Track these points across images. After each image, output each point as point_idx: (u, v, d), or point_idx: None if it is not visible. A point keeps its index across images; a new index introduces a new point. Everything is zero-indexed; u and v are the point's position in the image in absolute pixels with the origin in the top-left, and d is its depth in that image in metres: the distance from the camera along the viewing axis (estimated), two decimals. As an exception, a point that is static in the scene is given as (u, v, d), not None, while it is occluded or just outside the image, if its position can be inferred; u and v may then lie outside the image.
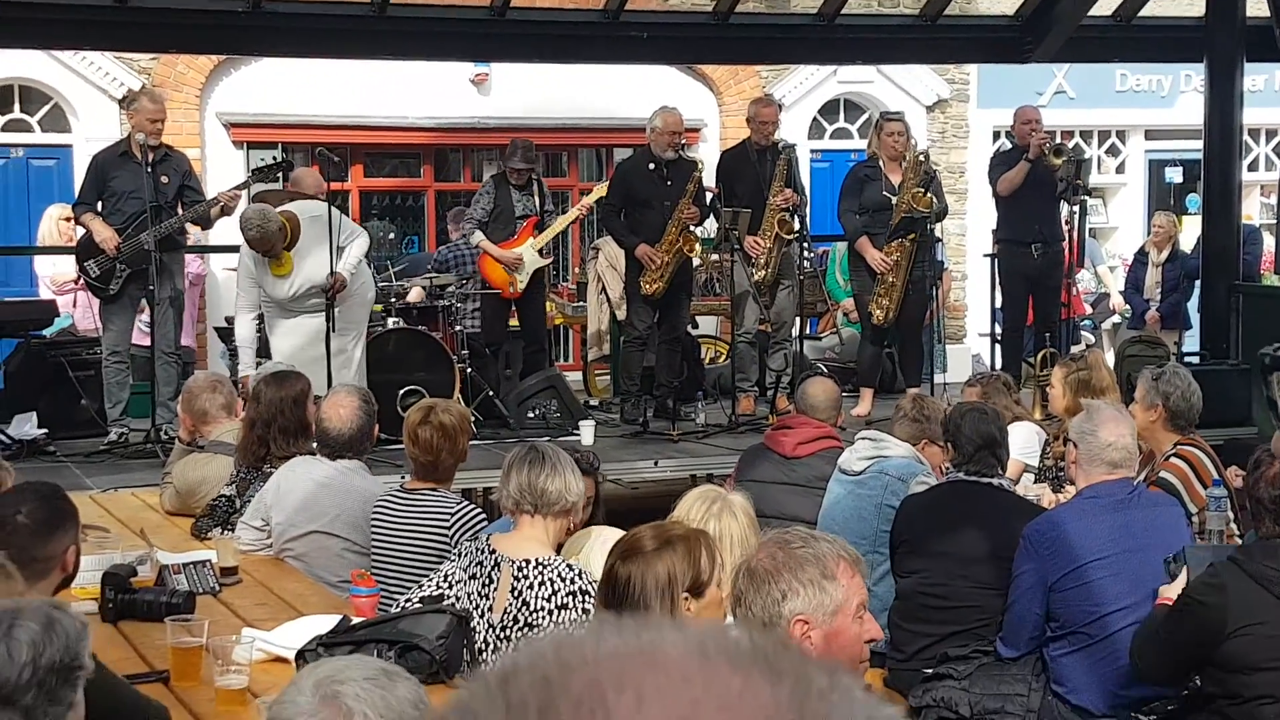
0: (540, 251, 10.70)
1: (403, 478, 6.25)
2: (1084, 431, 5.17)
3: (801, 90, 15.47)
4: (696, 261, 11.38)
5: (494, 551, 4.56)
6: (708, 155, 14.49)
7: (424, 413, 5.56)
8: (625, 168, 11.04)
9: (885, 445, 6.14)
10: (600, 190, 11.03)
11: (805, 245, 10.91)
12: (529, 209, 10.74)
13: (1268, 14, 12.26)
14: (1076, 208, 10.84)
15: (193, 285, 11.73)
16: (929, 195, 10.36)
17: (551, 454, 4.62)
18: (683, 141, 10.57)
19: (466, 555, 4.63)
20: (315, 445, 5.95)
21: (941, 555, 5.43)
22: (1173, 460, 6.41)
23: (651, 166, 10.44)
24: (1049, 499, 6.55)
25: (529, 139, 11.11)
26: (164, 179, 9.40)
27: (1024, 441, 6.89)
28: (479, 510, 5.47)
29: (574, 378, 12.45)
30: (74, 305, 11.18)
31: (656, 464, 9.49)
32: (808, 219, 10.85)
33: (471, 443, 9.15)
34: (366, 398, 5.91)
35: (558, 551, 4.65)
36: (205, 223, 9.84)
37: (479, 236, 10.64)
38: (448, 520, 5.37)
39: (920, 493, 5.84)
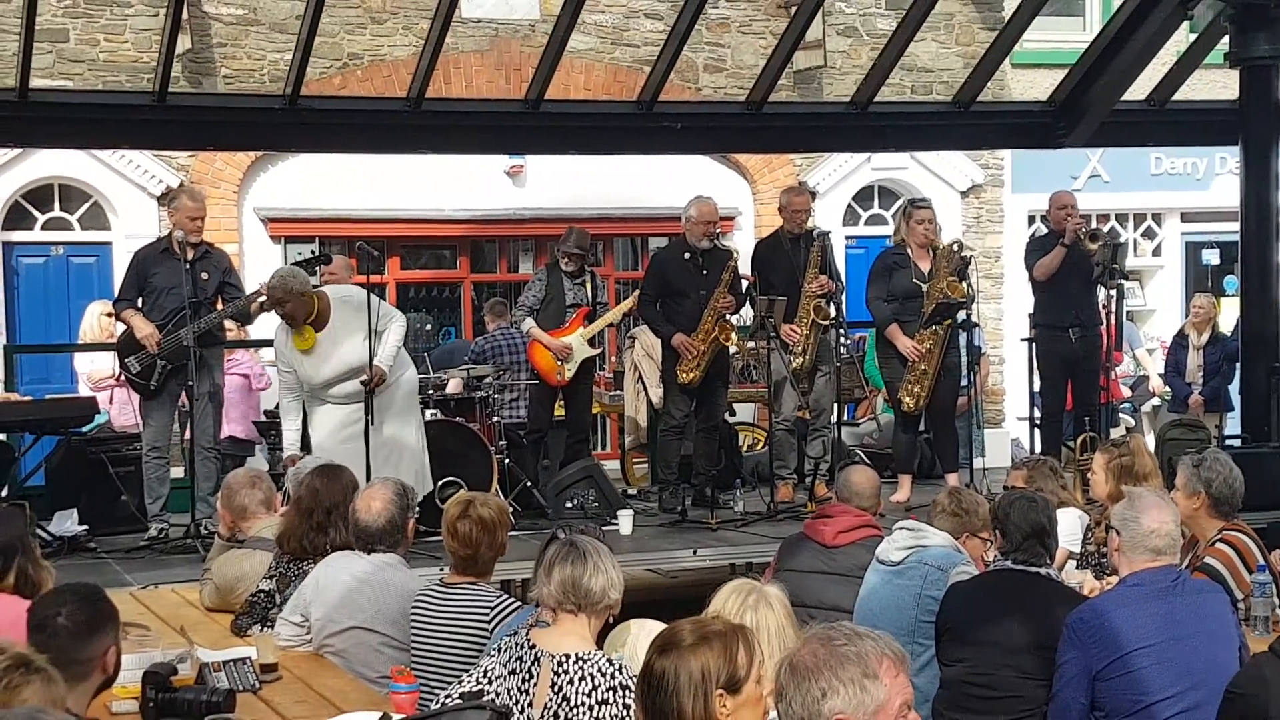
0: (590, 341, 10.75)
1: (442, 570, 6.22)
2: (1126, 519, 5.13)
3: (836, 177, 15.53)
4: (733, 349, 11.39)
5: (534, 646, 4.52)
6: (743, 243, 14.54)
7: (463, 506, 5.55)
8: (661, 257, 11.09)
9: (924, 535, 6.09)
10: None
11: (842, 331, 10.92)
12: (581, 298, 10.80)
13: (1302, 96, 12.31)
14: (1114, 292, 10.83)
15: (247, 379, 11.78)
16: (964, 284, 10.37)
17: (592, 550, 4.59)
18: (718, 230, 10.61)
19: (506, 650, 4.60)
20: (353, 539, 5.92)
21: (987, 644, 5.38)
22: (1218, 546, 6.33)
23: (687, 256, 10.48)
24: (1091, 586, 6.48)
25: (582, 227, 11.19)
26: (204, 275, 9.49)
27: (1068, 528, 6.82)
28: (517, 604, 5.43)
29: (612, 466, 12.45)
30: (110, 402, 11.24)
31: (695, 553, 9.47)
32: (844, 305, 10.87)
33: (510, 534, 9.23)
34: (400, 490, 5.89)
35: (599, 645, 4.62)
36: (245, 318, 9.90)
37: (530, 324, 10.71)
38: (487, 615, 5.35)
39: (966, 580, 5.79)
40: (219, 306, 9.62)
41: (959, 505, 6.32)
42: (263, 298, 9.45)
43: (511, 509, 9.74)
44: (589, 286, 10.89)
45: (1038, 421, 11.83)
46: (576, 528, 4.95)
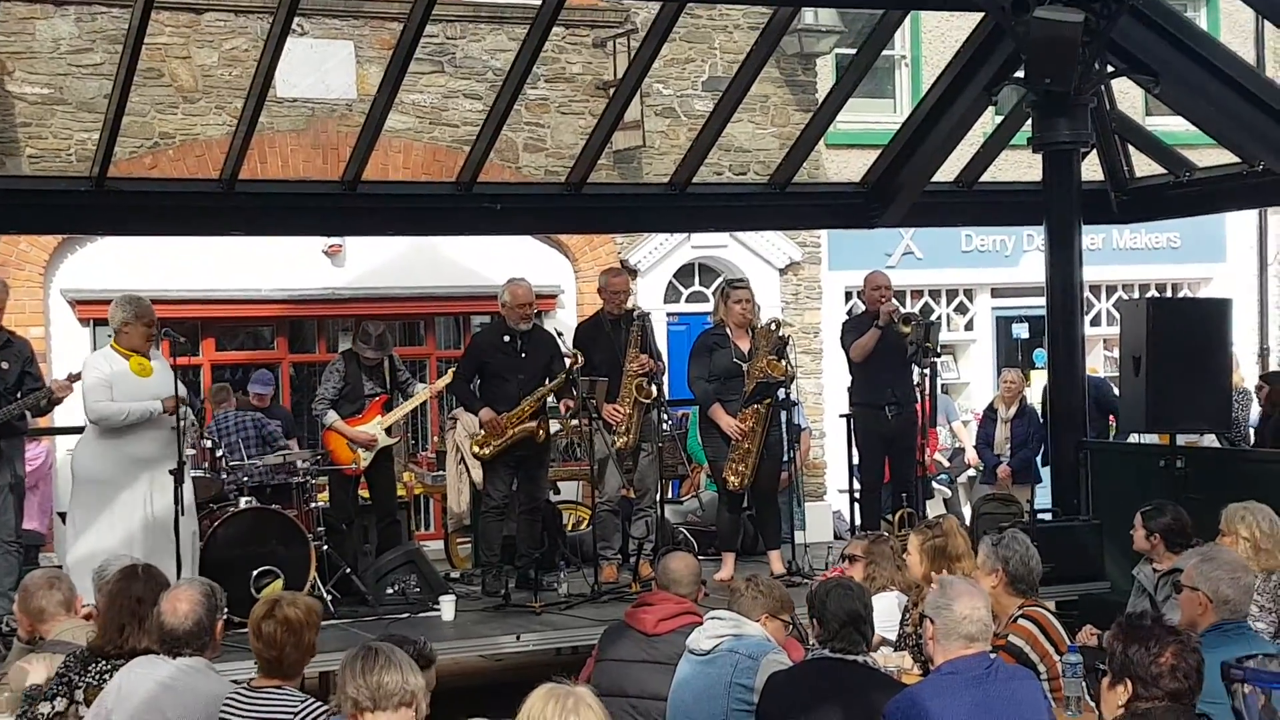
0: (388, 430, 10.62)
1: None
2: (939, 606, 5.18)
3: (656, 256, 15.64)
4: (555, 427, 11.36)
5: (347, 755, 4.44)
6: (565, 321, 14.58)
7: (268, 606, 5.40)
8: (479, 340, 11.07)
9: (737, 624, 6.09)
10: (449, 378, 11.00)
11: (664, 409, 10.95)
12: (378, 387, 10.68)
13: (1101, 178, 12.76)
14: (927, 370, 11.04)
15: (35, 471, 11.44)
16: (783, 363, 10.49)
17: (385, 649, 4.56)
18: (533, 311, 10.59)
19: (318, 758, 4.50)
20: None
21: (805, 734, 5.38)
22: (1020, 623, 6.45)
23: (506, 339, 10.46)
24: (909, 666, 6.55)
25: (379, 323, 11.07)
26: (4, 365, 9.19)
27: (885, 612, 6.90)
28: (323, 708, 5.27)
29: (435, 547, 12.32)
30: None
31: (519, 638, 9.37)
32: (665, 384, 10.91)
33: (329, 623, 9.08)
34: (209, 591, 5.68)
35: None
36: (40, 412, 9.66)
37: (332, 415, 10.53)
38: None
39: (785, 670, 5.79)
40: (18, 397, 9.32)
41: (762, 588, 6.34)
42: (60, 394, 9.26)
43: (331, 597, 9.66)
44: (388, 373, 10.78)
45: (857, 495, 11.98)
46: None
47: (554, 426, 11.19)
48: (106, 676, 5.82)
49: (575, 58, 15.10)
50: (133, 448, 8.94)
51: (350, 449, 10.52)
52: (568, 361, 10.43)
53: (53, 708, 5.80)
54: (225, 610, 5.73)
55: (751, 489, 10.80)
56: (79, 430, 9.46)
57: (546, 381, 10.45)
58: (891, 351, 11.09)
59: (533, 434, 10.34)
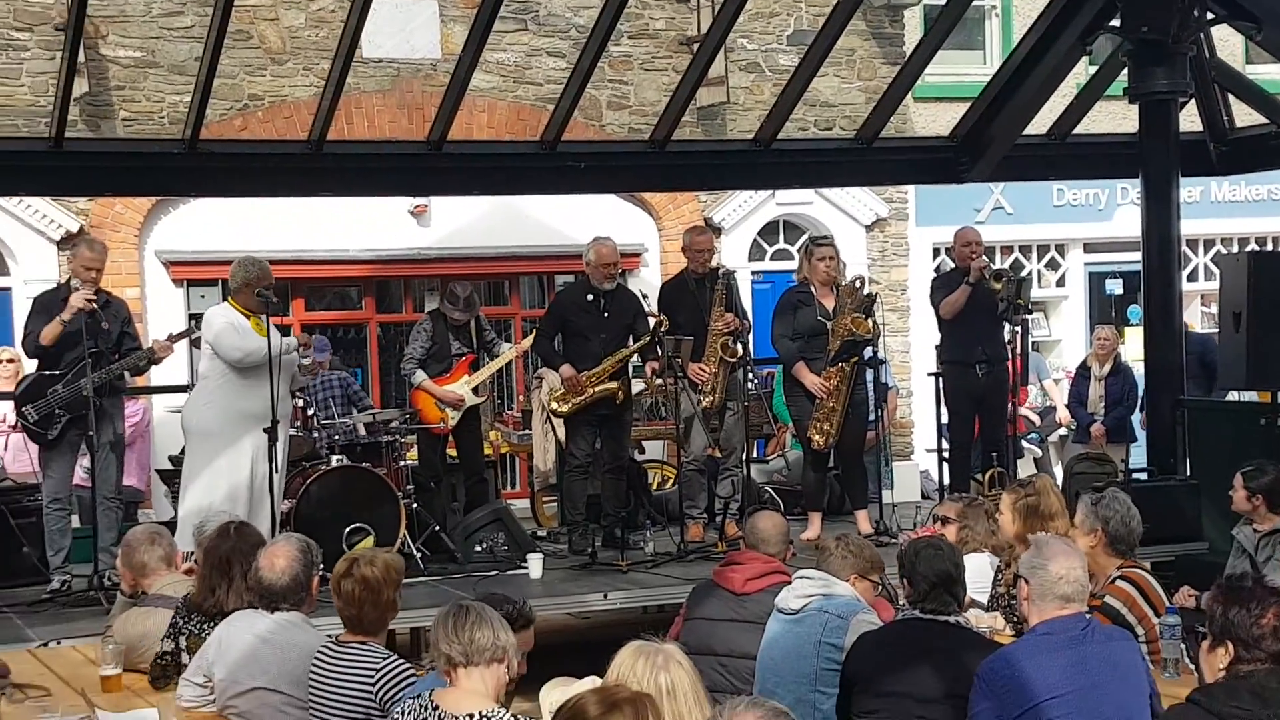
0: (475, 390, 10.65)
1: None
2: (1034, 566, 5.10)
3: (741, 213, 15.55)
4: (640, 386, 11.36)
5: (437, 707, 4.46)
6: (649, 279, 14.54)
7: (348, 564, 5.45)
8: (562, 298, 11.09)
9: (827, 583, 6.05)
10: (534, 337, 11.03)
11: (750, 368, 10.90)
12: (465, 346, 10.70)
13: (1200, 129, 12.50)
14: (1018, 328, 10.89)
15: (134, 429, 11.60)
16: (869, 320, 10.38)
17: (477, 607, 4.60)
18: (618, 271, 10.56)
19: (410, 713, 4.53)
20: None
21: (898, 695, 5.33)
22: (1118, 584, 6.37)
23: (590, 298, 10.45)
24: (1002, 628, 6.49)
25: (469, 284, 11.08)
26: (104, 325, 9.31)
27: (976, 573, 6.82)
28: (406, 667, 5.31)
29: (522, 506, 12.37)
30: (5, 448, 11.04)
31: (606, 596, 9.40)
32: (750, 342, 10.86)
33: (418, 580, 9.14)
34: (305, 548, 5.76)
35: (506, 706, 4.55)
36: (139, 372, 9.79)
37: (420, 375, 10.59)
38: (372, 676, 5.23)
39: (874, 631, 5.75)
40: (118, 356, 9.45)
41: (847, 549, 6.28)
42: (162, 354, 9.38)
43: (420, 554, 9.73)
44: (474, 333, 10.80)
45: (946, 455, 11.88)
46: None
47: (637, 386, 11.19)
48: (207, 629, 5.93)
49: (658, 13, 15.02)
50: (243, 403, 9.03)
51: (438, 408, 10.58)
52: (652, 322, 10.40)
53: (162, 647, 6.03)
54: (321, 566, 5.80)
55: (837, 448, 10.72)
56: (177, 389, 9.58)
57: (630, 342, 10.43)
58: (982, 309, 10.95)
59: (613, 394, 10.33)
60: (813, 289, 10.64)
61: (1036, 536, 5.46)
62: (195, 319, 10.08)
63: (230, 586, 6.07)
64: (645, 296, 10.74)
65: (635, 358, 10.59)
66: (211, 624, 5.96)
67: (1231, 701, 4.34)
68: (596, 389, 10.32)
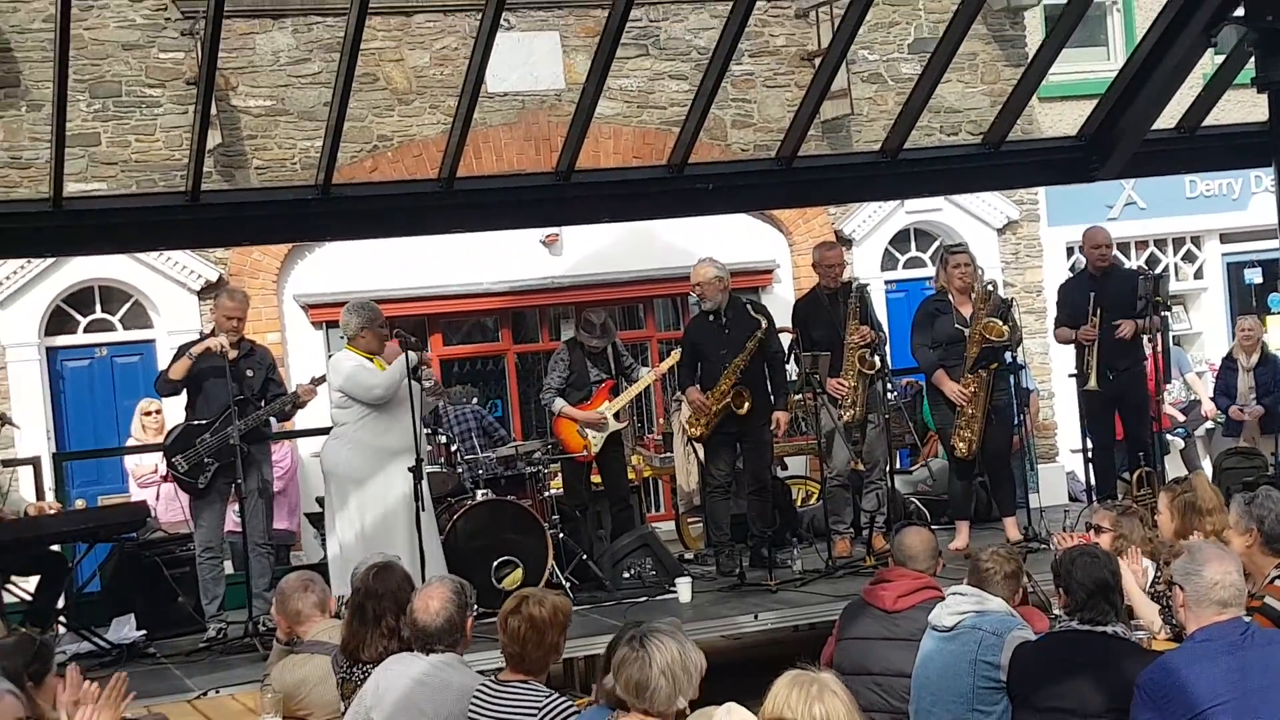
0: (616, 415, 10.72)
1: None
2: (1189, 573, 5.04)
3: (871, 224, 15.50)
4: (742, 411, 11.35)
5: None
6: (782, 294, 14.56)
7: (517, 602, 5.48)
8: (689, 327, 11.14)
9: (981, 600, 6.01)
10: (673, 360, 11.06)
11: (888, 380, 10.87)
12: (603, 372, 10.79)
13: (1332, 113, 12.19)
14: (1156, 328, 10.76)
15: (284, 474, 11.85)
16: (1003, 324, 10.30)
17: (658, 650, 4.54)
18: (717, 289, 10.49)
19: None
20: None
21: (1060, 710, 5.29)
22: (1277, 583, 6.25)
23: (710, 318, 10.49)
24: (1153, 619, 6.42)
25: (603, 310, 11.19)
26: (249, 373, 9.53)
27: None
28: (569, 704, 5.34)
29: (667, 528, 12.40)
30: (157, 498, 11.30)
31: (756, 617, 9.39)
32: (887, 354, 10.83)
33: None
34: (459, 589, 5.82)
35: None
36: (285, 417, 9.97)
37: (560, 403, 10.69)
38: (535, 716, 5.25)
39: (1032, 642, 5.70)
40: (263, 404, 9.65)
41: (1013, 567, 6.22)
42: (306, 397, 9.54)
43: (569, 583, 9.81)
44: (612, 359, 10.87)
45: (1090, 456, 11.74)
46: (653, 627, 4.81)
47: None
48: (357, 673, 6.03)
49: (778, 30, 15.03)
50: (382, 441, 9.16)
51: (580, 434, 10.65)
52: (785, 338, 10.38)
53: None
54: (475, 606, 5.85)
55: (983, 455, 10.65)
56: (321, 432, 9.74)
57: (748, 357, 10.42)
58: (1116, 308, 10.84)
59: (733, 406, 10.31)
60: (950, 297, 10.60)
61: (1189, 543, 5.37)
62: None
63: (369, 631, 6.15)
64: (760, 310, 10.66)
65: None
66: (362, 668, 6.06)
67: None
68: (718, 405, 10.34)
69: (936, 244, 15.91)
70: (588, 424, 10.62)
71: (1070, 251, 16.52)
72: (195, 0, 12.82)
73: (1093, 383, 11.03)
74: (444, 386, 10.04)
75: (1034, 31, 15.84)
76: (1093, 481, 11.51)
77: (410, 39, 14.03)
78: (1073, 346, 11.45)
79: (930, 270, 15.78)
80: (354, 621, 6.22)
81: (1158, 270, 11.67)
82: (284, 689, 6.45)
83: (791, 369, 11.06)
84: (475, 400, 12.52)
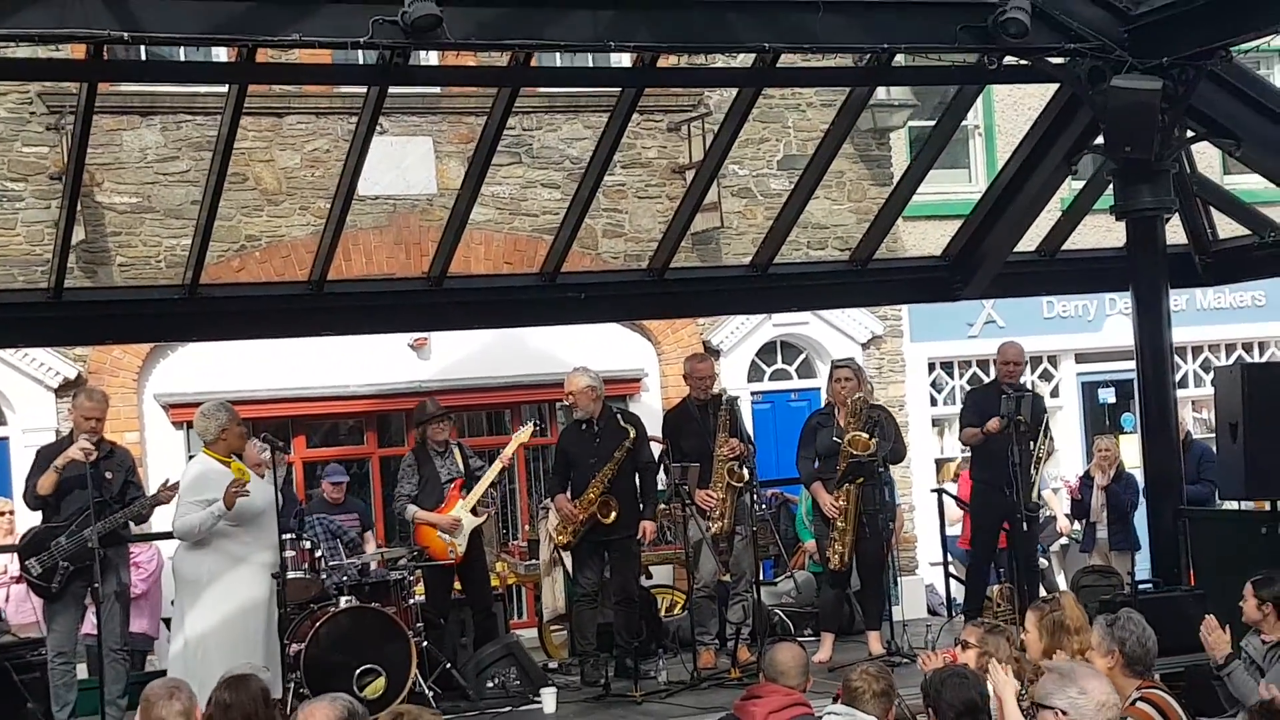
0: (474, 510, 10.65)
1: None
2: (1072, 696, 5.03)
3: (738, 335, 15.66)
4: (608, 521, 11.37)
5: None
6: (650, 403, 14.61)
7: (393, 718, 5.39)
8: (562, 435, 11.17)
9: (852, 718, 6.04)
10: (521, 438, 11.02)
11: (755, 492, 10.95)
12: (453, 472, 10.73)
13: (1184, 241, 12.67)
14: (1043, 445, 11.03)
15: (148, 577, 11.63)
16: (869, 438, 10.44)
17: None
18: (589, 399, 10.53)
19: None
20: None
21: (926, 831, 5.32)
22: (1138, 705, 6.33)
23: (583, 426, 10.53)
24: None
25: (435, 399, 11.25)
26: (108, 475, 9.34)
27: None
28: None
29: (530, 636, 12.31)
30: (6, 600, 11.00)
31: (622, 730, 9.34)
32: (754, 466, 10.91)
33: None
34: (350, 711, 5.42)
35: None
36: (142, 520, 9.79)
37: (412, 509, 10.62)
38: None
39: (903, 763, 5.75)
40: (121, 506, 9.46)
41: (883, 684, 6.28)
42: (165, 499, 9.39)
43: (433, 693, 9.68)
44: (459, 456, 10.84)
45: (964, 576, 11.92)
46: None
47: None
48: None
49: (650, 142, 15.22)
50: (237, 545, 9.05)
51: (441, 538, 10.56)
52: (655, 448, 10.45)
53: None
54: None
55: (859, 566, 10.75)
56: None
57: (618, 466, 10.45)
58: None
59: (600, 515, 10.33)
60: (834, 411, 10.75)
61: (1055, 664, 5.42)
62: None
63: None
64: (633, 422, 10.73)
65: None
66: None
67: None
68: (585, 515, 10.36)
69: (802, 356, 16.12)
70: (441, 527, 10.53)
71: (932, 367, 16.85)
72: (62, 95, 12.68)
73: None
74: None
75: (899, 152, 16.21)
76: (957, 596, 11.63)
77: (281, 140, 13.98)
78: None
79: (796, 383, 15.99)
80: None
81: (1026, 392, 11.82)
82: None
83: (661, 479, 11.10)
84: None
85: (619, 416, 10.71)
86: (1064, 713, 5.07)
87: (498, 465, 10.82)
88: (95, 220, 13.29)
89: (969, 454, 12.43)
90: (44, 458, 9.54)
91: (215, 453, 9.22)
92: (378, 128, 10.39)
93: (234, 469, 9.12)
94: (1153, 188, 10.67)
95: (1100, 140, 11.05)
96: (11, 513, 11.45)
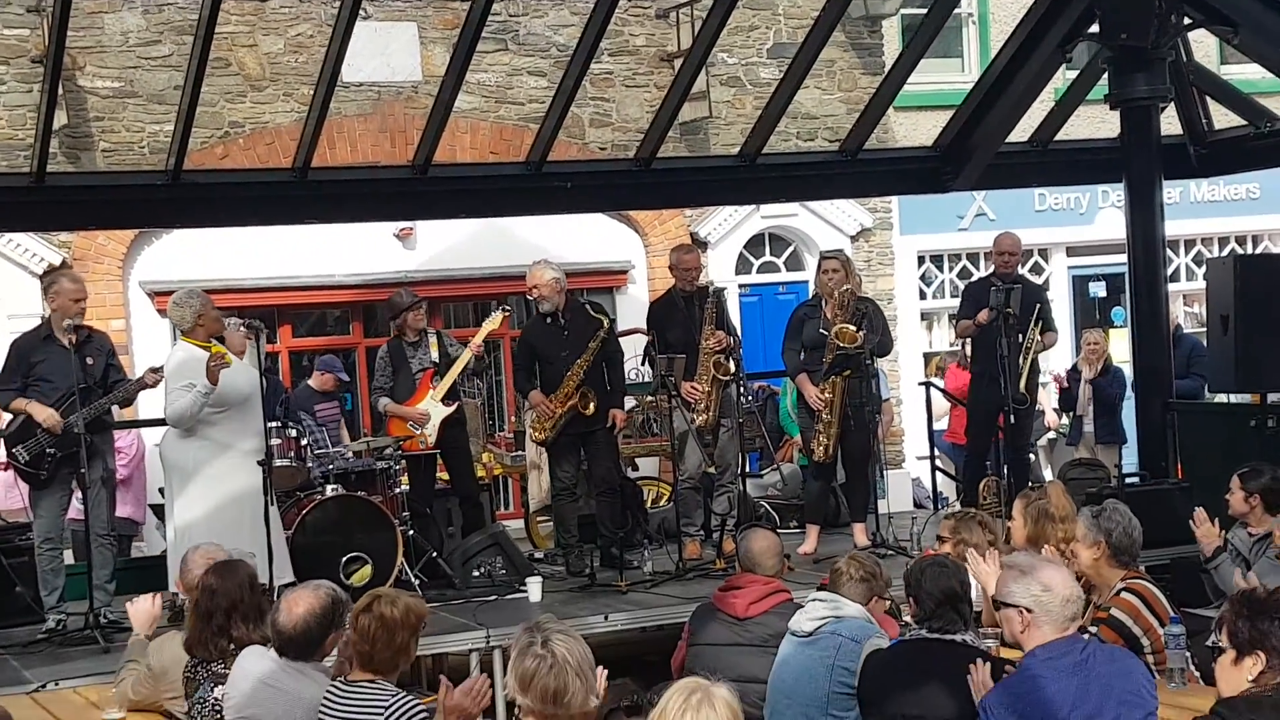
0: (445, 399, 10.56)
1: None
2: (1035, 593, 4.97)
3: (726, 227, 15.56)
4: (632, 403, 11.32)
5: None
6: (638, 296, 14.56)
7: (369, 600, 5.34)
8: (526, 330, 11.04)
9: (838, 605, 6.04)
10: (491, 325, 10.88)
11: (742, 384, 10.89)
12: (425, 362, 10.64)
13: (1179, 132, 12.54)
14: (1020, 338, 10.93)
15: (129, 462, 11.60)
16: (855, 330, 10.35)
17: (569, 659, 4.40)
18: (552, 290, 10.36)
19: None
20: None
21: (907, 718, 5.32)
22: (1123, 596, 6.36)
23: (548, 320, 10.43)
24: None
25: (408, 289, 11.10)
26: (89, 360, 9.25)
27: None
28: (416, 703, 5.22)
29: (516, 526, 12.34)
30: (-5, 485, 11.00)
31: (607, 618, 9.34)
32: (741, 358, 10.85)
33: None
34: (331, 603, 5.53)
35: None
36: (127, 404, 9.71)
37: (384, 402, 10.55)
38: (381, 715, 5.12)
39: (882, 650, 5.74)
40: (104, 391, 9.40)
41: (865, 570, 6.28)
42: (150, 382, 9.31)
43: (419, 581, 9.70)
44: (435, 347, 10.72)
45: (950, 469, 11.90)
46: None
47: (630, 403, 11.15)
48: (205, 673, 5.91)
49: (638, 29, 15.03)
50: (223, 433, 9.00)
51: (410, 428, 10.50)
52: (640, 340, 10.38)
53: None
54: (346, 629, 5.51)
55: (844, 459, 10.72)
56: (163, 422, 9.52)
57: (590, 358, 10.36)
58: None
59: (579, 408, 10.28)
60: (821, 303, 10.64)
61: (1017, 560, 5.32)
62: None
63: (201, 627, 6.03)
64: (602, 312, 10.65)
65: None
66: (205, 667, 5.94)
67: (1253, 715, 4.34)
68: (563, 408, 10.29)
69: (790, 249, 16.03)
70: (410, 419, 10.47)
71: (921, 260, 16.77)
72: (43, -24, 12.49)
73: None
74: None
75: (891, 41, 16.03)
76: (943, 489, 11.62)
77: (264, 25, 13.79)
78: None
79: (784, 275, 15.92)
80: (193, 615, 6.08)
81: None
82: (158, 666, 6.26)
83: (646, 371, 11.04)
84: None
85: (588, 307, 10.62)
86: (1028, 610, 4.99)
87: (467, 353, 10.61)
88: (78, 105, 13.13)
89: (958, 347, 12.39)
90: (19, 349, 9.41)
91: (194, 339, 9.14)
92: (361, 12, 10.22)
93: (214, 350, 9.04)
94: (1148, 76, 10.57)
95: (1095, 27, 10.91)
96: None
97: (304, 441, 10.07)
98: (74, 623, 9.20)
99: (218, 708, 5.72)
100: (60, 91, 11.26)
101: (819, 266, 10.82)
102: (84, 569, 9.38)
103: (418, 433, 10.44)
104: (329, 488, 9.81)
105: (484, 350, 10.63)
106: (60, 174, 11.96)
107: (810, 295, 11.02)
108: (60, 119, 12.18)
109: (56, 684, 7.88)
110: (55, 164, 12.14)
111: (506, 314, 11.61)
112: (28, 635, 9.22)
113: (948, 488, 14.14)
